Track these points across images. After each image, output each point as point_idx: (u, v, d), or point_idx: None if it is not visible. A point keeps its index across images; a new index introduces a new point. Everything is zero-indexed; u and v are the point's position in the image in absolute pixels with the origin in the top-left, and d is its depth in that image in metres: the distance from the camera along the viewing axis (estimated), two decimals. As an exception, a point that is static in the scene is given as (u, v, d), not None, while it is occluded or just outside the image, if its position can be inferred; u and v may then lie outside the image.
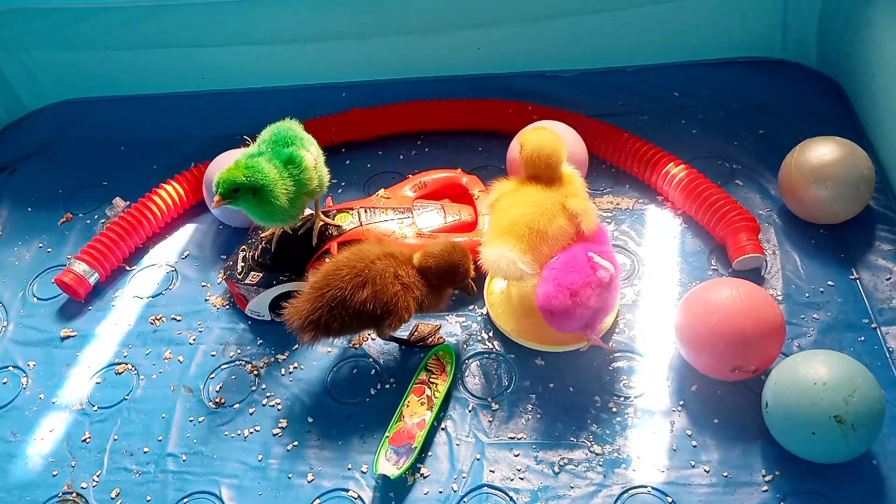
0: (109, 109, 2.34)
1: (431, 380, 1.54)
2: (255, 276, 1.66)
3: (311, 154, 1.59)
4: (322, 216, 1.71)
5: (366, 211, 1.75)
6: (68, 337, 1.74)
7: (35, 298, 1.83)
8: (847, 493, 1.33)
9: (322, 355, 1.63)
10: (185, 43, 2.25)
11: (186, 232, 1.95)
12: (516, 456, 1.44)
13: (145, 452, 1.51)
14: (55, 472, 1.50)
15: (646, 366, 1.55)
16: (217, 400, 1.58)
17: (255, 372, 1.62)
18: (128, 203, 1.98)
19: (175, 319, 1.74)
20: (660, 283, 1.70)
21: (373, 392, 1.56)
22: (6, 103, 2.35)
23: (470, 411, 1.51)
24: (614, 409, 1.49)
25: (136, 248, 1.90)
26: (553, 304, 1.42)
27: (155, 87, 2.35)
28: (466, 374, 1.57)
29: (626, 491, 1.37)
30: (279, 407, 1.56)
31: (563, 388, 1.53)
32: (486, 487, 1.40)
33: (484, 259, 1.46)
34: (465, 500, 1.39)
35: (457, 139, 2.08)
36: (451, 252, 1.48)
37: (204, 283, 1.81)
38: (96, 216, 2.01)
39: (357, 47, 2.24)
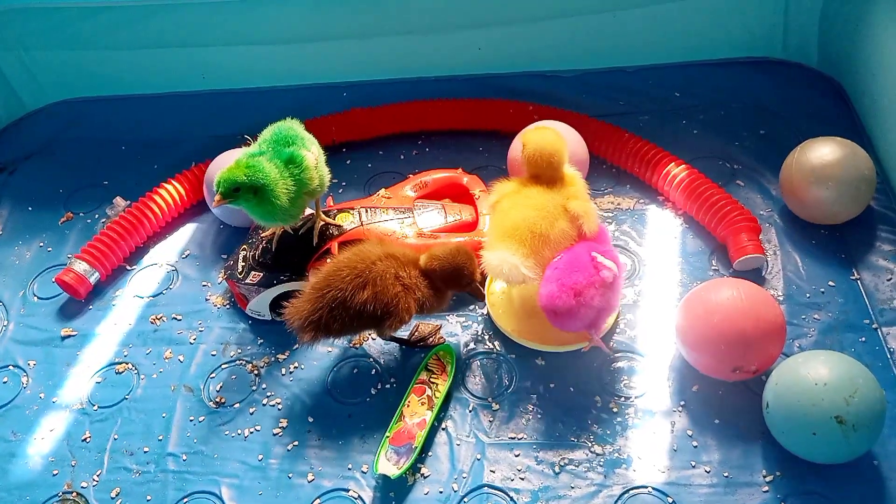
0: (110, 109, 2.34)
1: (432, 380, 1.54)
2: (255, 276, 1.66)
3: (312, 154, 1.59)
4: (323, 216, 1.71)
5: (366, 211, 1.75)
6: (69, 336, 1.74)
7: (35, 298, 1.83)
8: (848, 493, 1.33)
9: (322, 355, 1.63)
10: (186, 43, 2.25)
11: (187, 231, 1.95)
12: (517, 456, 1.44)
13: (145, 452, 1.51)
14: (55, 472, 1.50)
15: (646, 366, 1.55)
16: (217, 399, 1.58)
17: (256, 372, 1.62)
18: (128, 202, 1.98)
19: (175, 319, 1.74)
20: (661, 283, 1.69)
21: (373, 392, 1.56)
22: (7, 103, 2.35)
23: (470, 411, 1.51)
24: (615, 410, 1.49)
25: (136, 247, 1.90)
26: (557, 305, 1.41)
27: (155, 86, 2.35)
28: (467, 374, 1.57)
29: (627, 491, 1.37)
30: (279, 407, 1.56)
31: (563, 389, 1.53)
32: (486, 487, 1.40)
33: (486, 263, 1.45)
34: (465, 500, 1.39)
35: (457, 139, 2.08)
36: (455, 255, 1.48)
37: (204, 283, 1.81)
38: (97, 216, 2.01)
39: (358, 47, 2.24)
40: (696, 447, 1.42)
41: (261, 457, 1.48)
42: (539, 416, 1.49)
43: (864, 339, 1.54)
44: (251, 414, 1.55)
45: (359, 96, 2.24)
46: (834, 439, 1.28)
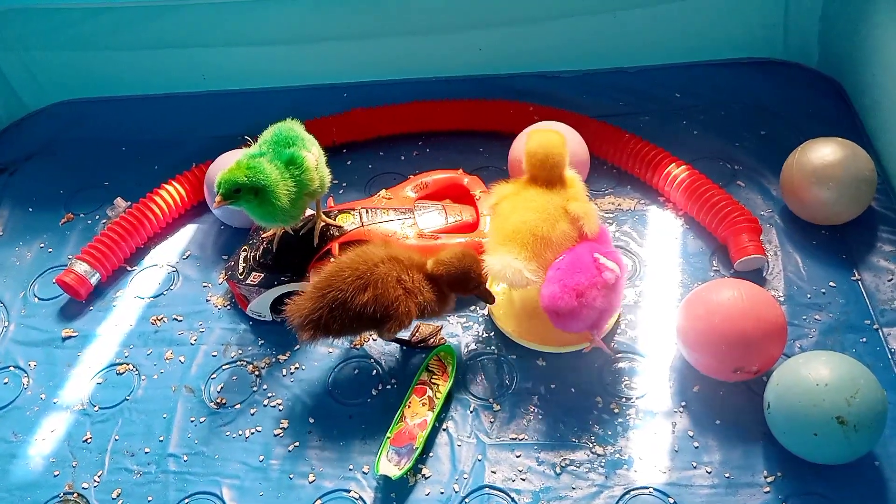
0: (111, 110, 2.34)
1: (433, 380, 1.54)
2: (256, 277, 1.66)
3: (313, 154, 1.59)
4: (323, 217, 1.71)
5: (367, 211, 1.75)
6: (69, 337, 1.74)
7: (36, 298, 1.83)
8: (849, 494, 1.33)
9: (323, 356, 1.63)
10: (187, 43, 2.25)
11: (188, 232, 1.95)
12: (518, 457, 1.44)
13: (146, 453, 1.51)
14: (56, 473, 1.50)
15: (647, 367, 1.55)
16: (218, 400, 1.58)
17: (257, 372, 1.62)
18: (129, 203, 1.98)
19: (176, 320, 1.74)
20: (661, 284, 1.69)
21: (374, 393, 1.56)
22: (7, 103, 2.35)
23: (471, 412, 1.51)
24: (616, 410, 1.49)
25: (137, 248, 1.90)
26: (559, 305, 1.41)
27: (156, 87, 2.35)
28: (468, 374, 1.57)
29: (628, 492, 1.37)
30: (280, 407, 1.56)
31: (564, 389, 1.53)
32: (487, 488, 1.40)
33: (489, 268, 1.45)
34: (466, 500, 1.39)
35: (458, 140, 2.08)
36: (462, 259, 1.48)
37: (205, 284, 1.81)
38: (97, 216, 2.01)
39: (358, 48, 2.24)
40: (697, 448, 1.42)
41: (262, 457, 1.48)
42: (540, 416, 1.49)
43: (864, 339, 1.54)
44: (252, 415, 1.55)
45: (359, 97, 2.24)
46: (835, 440, 1.28)
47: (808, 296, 1.63)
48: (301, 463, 1.47)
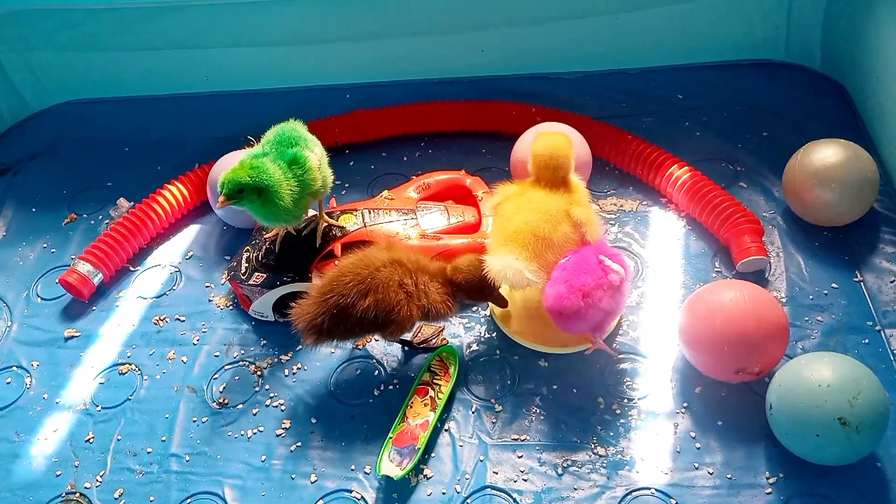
0: (113, 110, 2.35)
1: (435, 381, 1.54)
2: (258, 277, 1.66)
3: (315, 154, 1.60)
4: (326, 217, 1.71)
5: (369, 212, 1.75)
6: (72, 337, 1.74)
7: (39, 299, 1.84)
8: (851, 495, 1.33)
9: (325, 356, 1.63)
10: (189, 44, 2.25)
11: (190, 233, 1.95)
12: (520, 457, 1.44)
13: (149, 453, 1.51)
14: (59, 473, 1.50)
15: (649, 368, 1.55)
16: (220, 400, 1.58)
17: (259, 373, 1.62)
18: (132, 204, 1.99)
19: (179, 320, 1.74)
20: (663, 284, 1.70)
21: (376, 393, 1.56)
22: (11, 104, 2.35)
23: (473, 413, 1.51)
24: (618, 411, 1.49)
25: (140, 248, 1.90)
26: (565, 305, 1.41)
27: (159, 88, 2.35)
28: (470, 375, 1.57)
29: (630, 493, 1.37)
30: (282, 408, 1.56)
31: (566, 390, 1.53)
32: (489, 489, 1.40)
33: (490, 268, 1.45)
34: (468, 501, 1.39)
35: (460, 141, 2.08)
36: (479, 267, 1.48)
37: (208, 284, 1.82)
38: (100, 217, 2.01)
39: (361, 49, 2.24)
40: (699, 449, 1.42)
41: (264, 458, 1.48)
42: (542, 417, 1.49)
43: (867, 340, 1.54)
44: (254, 415, 1.55)
45: (362, 98, 2.24)
46: (837, 441, 1.28)
47: (811, 297, 1.63)
48: (303, 463, 1.47)
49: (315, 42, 2.23)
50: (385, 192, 1.83)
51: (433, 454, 1.46)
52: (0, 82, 2.32)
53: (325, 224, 1.70)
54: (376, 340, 1.64)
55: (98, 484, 1.48)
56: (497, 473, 1.42)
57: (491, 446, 1.46)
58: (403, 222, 1.73)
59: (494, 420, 1.50)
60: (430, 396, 1.51)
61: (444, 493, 1.40)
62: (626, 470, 1.40)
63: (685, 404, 1.49)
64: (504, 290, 1.66)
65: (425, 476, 1.43)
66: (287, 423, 1.53)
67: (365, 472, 1.44)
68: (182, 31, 2.22)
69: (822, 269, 1.68)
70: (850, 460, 1.32)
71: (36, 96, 2.38)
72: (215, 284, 1.81)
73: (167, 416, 1.57)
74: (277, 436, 1.51)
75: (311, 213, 1.71)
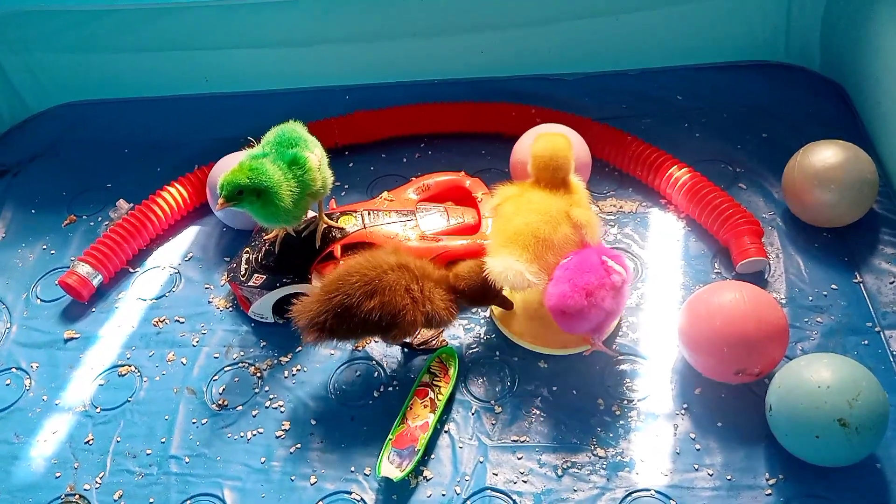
0: (113, 112, 2.35)
1: (434, 382, 1.54)
2: (258, 279, 1.66)
3: (315, 155, 1.60)
4: (325, 218, 1.71)
5: (369, 213, 1.75)
6: (71, 339, 1.74)
7: (38, 300, 1.84)
8: (851, 496, 1.33)
9: (325, 358, 1.63)
10: (189, 46, 2.25)
11: (190, 234, 1.95)
12: (519, 459, 1.44)
13: (148, 454, 1.51)
14: (58, 474, 1.50)
15: (649, 369, 1.55)
16: (220, 402, 1.58)
17: (259, 374, 1.62)
18: (131, 205, 1.99)
19: (178, 321, 1.74)
20: (663, 286, 1.69)
21: (376, 395, 1.56)
22: (10, 105, 2.36)
23: (473, 414, 1.51)
24: (618, 413, 1.49)
25: (139, 250, 1.90)
26: (568, 304, 1.41)
27: (159, 89, 2.35)
28: (469, 376, 1.57)
29: (630, 494, 1.37)
30: (282, 409, 1.56)
31: (566, 391, 1.53)
32: (489, 490, 1.40)
33: (490, 270, 1.45)
34: (468, 502, 1.39)
35: (460, 142, 2.08)
36: (479, 272, 1.48)
37: (207, 286, 1.82)
38: (100, 218, 2.01)
39: (361, 50, 2.24)
40: (698, 450, 1.42)
41: (263, 459, 1.48)
42: (542, 418, 1.49)
43: (866, 342, 1.54)
44: (254, 416, 1.55)
45: (361, 99, 2.24)
46: (837, 442, 1.28)
47: (810, 298, 1.63)
48: (303, 465, 1.47)
49: (315, 43, 2.23)
50: (385, 194, 1.83)
51: (433, 456, 1.46)
52: (0, 83, 2.32)
53: (325, 225, 1.70)
54: (376, 342, 1.64)
55: (97, 486, 1.48)
56: (497, 475, 1.42)
57: (491, 448, 1.46)
58: (403, 224, 1.73)
59: (494, 421, 1.50)
60: (430, 398, 1.51)
61: (443, 495, 1.40)
62: (626, 471, 1.40)
63: (685, 405, 1.49)
64: (504, 292, 1.66)
65: (425, 477, 1.43)
66: (287, 425, 1.53)
67: (365, 474, 1.44)
68: (182, 33, 2.22)
69: (821, 271, 1.68)
70: (849, 461, 1.32)
71: (36, 97, 2.38)
72: (215, 286, 1.81)
73: (167, 417, 1.57)
74: (277, 437, 1.51)
75: (311, 214, 1.71)
